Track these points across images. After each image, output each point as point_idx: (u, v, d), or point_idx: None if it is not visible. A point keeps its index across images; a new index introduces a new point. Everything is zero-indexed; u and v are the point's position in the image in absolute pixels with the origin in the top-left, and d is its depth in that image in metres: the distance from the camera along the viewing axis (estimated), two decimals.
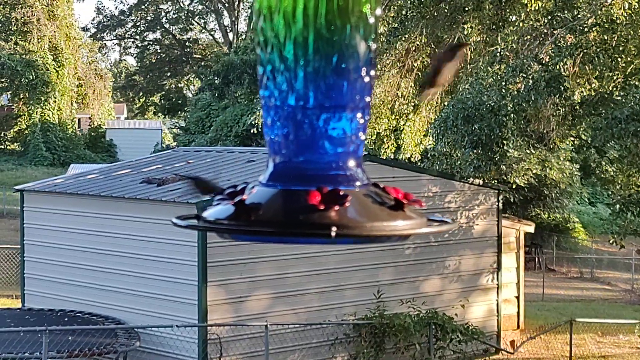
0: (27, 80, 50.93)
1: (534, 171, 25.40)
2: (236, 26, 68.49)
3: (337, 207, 1.46)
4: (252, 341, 15.09)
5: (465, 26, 18.29)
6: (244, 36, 65.40)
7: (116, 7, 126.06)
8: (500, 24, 17.15)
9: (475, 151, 17.78)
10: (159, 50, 73.34)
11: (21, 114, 52.71)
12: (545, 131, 18.02)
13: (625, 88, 16.49)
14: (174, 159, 18.74)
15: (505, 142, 17.56)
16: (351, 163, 1.57)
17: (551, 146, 19.90)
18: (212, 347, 14.77)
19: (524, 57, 16.30)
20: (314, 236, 1.48)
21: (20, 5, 52.12)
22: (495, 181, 19.28)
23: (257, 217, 1.49)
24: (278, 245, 13.40)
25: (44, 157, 50.55)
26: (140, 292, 15.53)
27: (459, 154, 18.39)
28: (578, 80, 16.22)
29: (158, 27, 72.16)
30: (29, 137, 51.21)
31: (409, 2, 18.15)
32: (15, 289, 20.98)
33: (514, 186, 21.35)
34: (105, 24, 72.23)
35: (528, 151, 19.23)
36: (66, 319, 15.53)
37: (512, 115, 16.79)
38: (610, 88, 16.44)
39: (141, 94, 73.84)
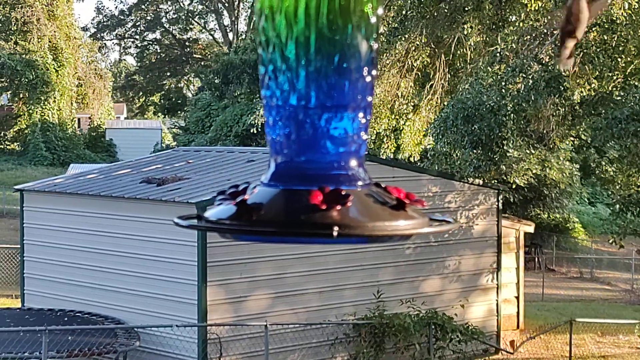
0: (27, 80, 50.94)
1: (534, 171, 25.39)
2: (236, 26, 68.52)
3: (339, 207, 1.46)
4: (252, 341, 15.09)
5: (465, 26, 18.31)
6: (243, 36, 65.42)
7: (116, 7, 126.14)
8: (500, 24, 17.16)
9: (475, 151, 17.79)
10: (158, 50, 73.36)
11: (21, 113, 52.72)
12: (545, 131, 18.03)
13: (625, 88, 16.50)
14: (173, 159, 18.74)
15: (505, 142, 17.56)
16: (353, 163, 1.57)
17: (551, 146, 19.89)
18: (212, 347, 14.77)
19: (524, 57, 16.30)
20: (316, 236, 1.48)
21: (20, 5, 52.12)
22: (495, 181, 19.29)
23: (259, 217, 1.49)
24: (278, 245, 13.41)
25: (44, 156, 50.56)
26: (140, 292, 15.53)
27: (458, 154, 18.39)
28: (578, 80, 16.22)
29: (158, 27, 72.18)
30: (29, 137, 51.22)
31: (409, 2, 18.15)
32: (15, 289, 20.98)
33: (513, 186, 21.35)
34: (105, 23, 72.26)
35: (528, 151, 19.23)
36: (66, 319, 15.53)
37: (512, 115, 16.79)
38: (610, 88, 16.45)
39: (141, 93, 73.87)
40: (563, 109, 16.84)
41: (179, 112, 67.93)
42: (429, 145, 19.71)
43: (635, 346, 19.97)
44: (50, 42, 52.74)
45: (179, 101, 69.31)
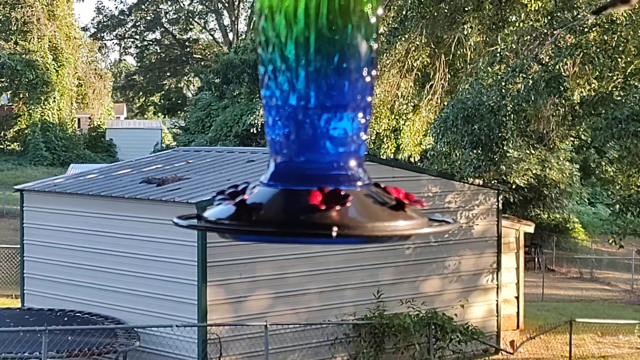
0: (27, 80, 50.95)
1: (534, 171, 25.40)
2: (236, 26, 68.55)
3: (338, 207, 1.46)
4: (251, 341, 15.09)
5: (465, 26, 18.31)
6: (243, 36, 65.44)
7: (116, 7, 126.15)
8: (500, 24, 17.17)
9: (475, 151, 17.79)
10: (159, 50, 73.37)
11: (21, 113, 52.73)
12: (545, 131, 18.03)
13: (625, 88, 16.50)
14: (173, 159, 18.74)
15: (505, 142, 17.57)
16: (352, 163, 1.57)
17: (551, 146, 19.91)
18: (212, 347, 14.78)
19: (524, 57, 16.30)
20: (315, 236, 1.47)
21: (20, 5, 52.14)
22: (495, 181, 19.29)
23: (258, 217, 1.49)
24: (278, 245, 13.41)
25: (44, 156, 50.57)
26: (140, 292, 15.53)
27: (458, 154, 18.40)
28: (578, 81, 16.23)
29: (158, 27, 72.19)
30: (29, 137, 51.23)
31: (409, 2, 18.16)
32: (15, 289, 20.99)
33: (513, 186, 21.36)
34: (105, 23, 72.27)
35: (528, 151, 19.24)
36: (66, 319, 15.53)
37: (512, 115, 16.79)
38: (610, 88, 16.46)
39: (141, 93, 73.88)
40: (563, 109, 16.84)
41: (179, 112, 67.95)
42: (429, 145, 19.71)
43: (635, 346, 19.97)
44: (50, 42, 52.76)
45: (179, 101, 69.32)
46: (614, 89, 16.52)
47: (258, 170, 16.14)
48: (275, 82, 1.56)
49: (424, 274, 17.49)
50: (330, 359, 16.13)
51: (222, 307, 14.95)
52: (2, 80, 52.58)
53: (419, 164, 20.67)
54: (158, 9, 71.60)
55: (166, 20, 72.17)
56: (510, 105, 16.53)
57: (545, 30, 16.46)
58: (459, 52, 19.52)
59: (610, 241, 18.58)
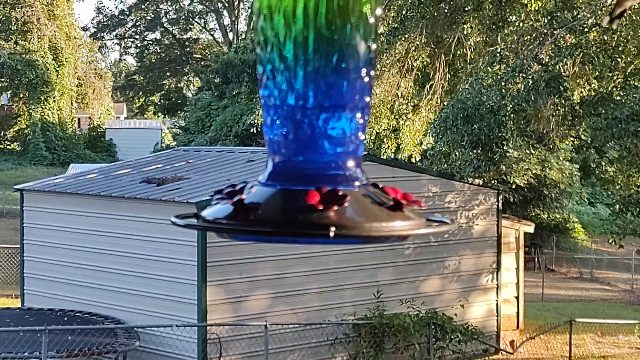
0: (27, 80, 50.94)
1: (534, 171, 25.41)
2: (236, 26, 68.54)
3: (335, 207, 1.46)
4: (251, 341, 15.09)
5: (465, 26, 18.31)
6: (243, 36, 65.42)
7: (116, 7, 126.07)
8: (500, 24, 17.16)
9: (474, 151, 17.79)
10: (159, 50, 73.36)
11: (21, 113, 52.72)
12: (545, 131, 18.03)
13: (625, 88, 16.50)
14: (173, 159, 18.74)
15: (504, 142, 17.56)
16: (350, 163, 1.56)
17: (551, 146, 19.90)
18: (212, 347, 14.77)
19: (523, 57, 16.30)
20: (313, 236, 1.47)
21: (20, 5, 52.13)
22: (495, 181, 19.29)
23: (256, 216, 1.48)
24: (278, 245, 13.39)
25: (44, 156, 50.56)
26: (140, 292, 15.53)
27: (458, 154, 18.39)
28: (578, 81, 16.22)
29: (158, 27, 72.18)
30: (29, 137, 51.23)
31: (409, 2, 18.15)
32: (15, 289, 20.99)
33: (513, 186, 21.36)
34: (105, 23, 72.27)
35: (528, 151, 19.24)
36: (66, 319, 15.53)
37: (511, 115, 16.79)
38: (610, 88, 16.45)
39: (141, 93, 73.86)
40: (563, 109, 16.83)
41: (179, 112, 67.92)
42: (429, 145, 19.70)
43: (635, 346, 19.97)
44: (50, 42, 52.75)
45: (179, 101, 69.30)
46: (614, 89, 16.51)
47: (258, 170, 16.11)
48: (273, 82, 1.56)
49: (424, 273, 17.49)
50: (330, 359, 16.13)
51: (222, 307, 14.95)
52: (2, 80, 52.57)
53: (418, 164, 20.66)
54: (158, 9, 71.60)
55: (166, 20, 72.17)
56: (510, 105, 16.53)
57: (545, 30, 16.45)
58: (459, 52, 19.51)
59: (610, 241, 18.57)
